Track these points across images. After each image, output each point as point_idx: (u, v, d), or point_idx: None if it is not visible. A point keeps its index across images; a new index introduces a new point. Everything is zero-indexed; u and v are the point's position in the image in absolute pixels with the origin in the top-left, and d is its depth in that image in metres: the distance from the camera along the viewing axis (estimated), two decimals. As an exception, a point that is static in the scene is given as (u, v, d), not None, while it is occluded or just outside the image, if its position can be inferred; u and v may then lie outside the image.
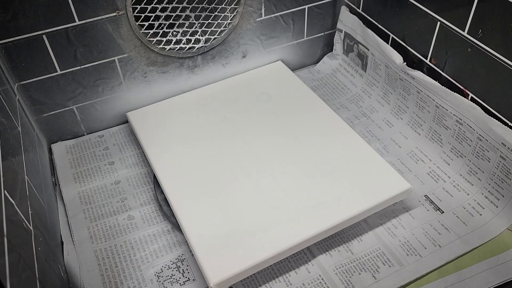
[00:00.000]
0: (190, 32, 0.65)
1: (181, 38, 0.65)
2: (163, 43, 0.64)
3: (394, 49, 0.63)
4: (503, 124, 0.49)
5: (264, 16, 0.68)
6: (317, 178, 0.53)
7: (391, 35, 0.64)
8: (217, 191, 0.52)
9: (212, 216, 0.50)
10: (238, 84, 0.68)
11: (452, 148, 0.58)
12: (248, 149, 0.57)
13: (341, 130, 0.59)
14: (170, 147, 0.58)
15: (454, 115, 0.55)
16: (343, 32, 0.74)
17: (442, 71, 0.57)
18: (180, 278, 0.49)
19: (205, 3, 0.64)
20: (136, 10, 0.59)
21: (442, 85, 0.56)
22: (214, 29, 0.66)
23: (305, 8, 0.71)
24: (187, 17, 0.64)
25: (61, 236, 0.53)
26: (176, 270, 0.50)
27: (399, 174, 0.53)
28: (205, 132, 0.60)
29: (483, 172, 0.54)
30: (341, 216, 0.49)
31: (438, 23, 0.55)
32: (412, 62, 0.61)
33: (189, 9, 0.63)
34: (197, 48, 0.66)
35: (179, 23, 0.64)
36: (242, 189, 0.52)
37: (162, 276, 0.49)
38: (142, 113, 0.64)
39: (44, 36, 0.55)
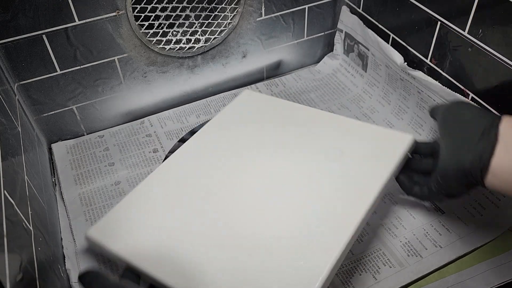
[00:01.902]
0: (190, 32, 0.65)
1: (181, 38, 0.65)
2: (163, 43, 0.64)
3: (395, 49, 0.63)
4: (504, 124, 0.49)
5: (264, 16, 0.68)
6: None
7: (392, 34, 0.64)
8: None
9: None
10: (213, 131, 0.58)
11: (452, 148, 0.58)
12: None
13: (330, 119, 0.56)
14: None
15: (455, 115, 0.55)
16: (344, 32, 0.74)
17: (443, 71, 0.57)
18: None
19: (205, 3, 0.64)
20: (136, 10, 0.59)
21: (443, 85, 0.56)
22: (214, 29, 0.66)
23: (305, 8, 0.71)
24: (187, 17, 0.64)
25: (61, 237, 0.53)
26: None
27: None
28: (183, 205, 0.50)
29: (484, 172, 0.54)
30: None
31: (439, 22, 0.55)
32: (413, 62, 0.61)
33: (189, 9, 0.63)
34: (197, 48, 0.66)
35: (179, 23, 0.64)
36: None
37: (162, 277, 0.49)
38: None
39: (44, 36, 0.55)
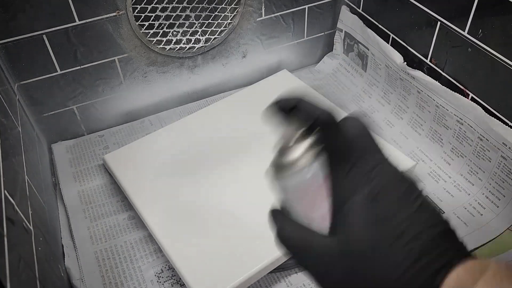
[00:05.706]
0: (190, 32, 0.65)
1: (181, 38, 0.65)
2: (163, 43, 0.64)
3: (394, 49, 0.63)
4: (503, 124, 0.49)
5: (264, 16, 0.68)
6: None
7: (391, 35, 0.64)
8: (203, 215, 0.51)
9: (201, 244, 0.48)
10: (240, 100, 0.66)
11: (452, 148, 0.58)
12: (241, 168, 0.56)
13: None
14: (154, 183, 0.55)
15: (455, 115, 0.55)
16: (343, 31, 0.74)
17: (442, 71, 0.57)
18: (180, 278, 0.49)
19: (205, 3, 0.64)
20: (136, 10, 0.59)
21: (442, 85, 0.56)
22: (214, 29, 0.66)
23: (305, 8, 0.71)
24: (187, 17, 0.64)
25: (61, 237, 0.53)
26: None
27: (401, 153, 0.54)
28: (195, 161, 0.57)
29: (484, 172, 0.54)
30: None
31: (438, 23, 0.55)
32: (412, 62, 0.61)
33: (189, 9, 0.63)
34: (197, 48, 0.66)
35: (179, 23, 0.64)
36: (230, 197, 0.52)
37: (162, 277, 0.49)
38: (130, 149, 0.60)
39: (44, 36, 0.55)
